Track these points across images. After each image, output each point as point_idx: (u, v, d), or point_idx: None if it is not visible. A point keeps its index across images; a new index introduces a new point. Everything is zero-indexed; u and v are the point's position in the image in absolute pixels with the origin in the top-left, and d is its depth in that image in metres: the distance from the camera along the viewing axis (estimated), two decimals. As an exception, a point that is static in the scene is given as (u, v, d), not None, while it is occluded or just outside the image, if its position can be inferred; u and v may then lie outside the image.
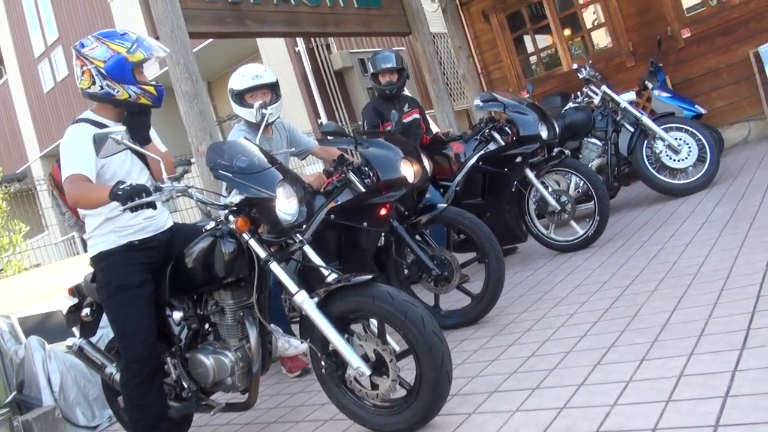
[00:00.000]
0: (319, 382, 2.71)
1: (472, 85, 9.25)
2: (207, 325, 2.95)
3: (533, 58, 9.73)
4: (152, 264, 2.90)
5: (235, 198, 2.56)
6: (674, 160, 5.71)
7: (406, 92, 5.79)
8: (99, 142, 2.49)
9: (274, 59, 11.83)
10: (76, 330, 3.45)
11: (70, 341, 3.37)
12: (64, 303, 4.09)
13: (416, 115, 5.50)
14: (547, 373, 2.70)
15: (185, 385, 2.97)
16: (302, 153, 4.44)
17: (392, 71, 5.28)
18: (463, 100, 13.41)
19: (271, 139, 4.23)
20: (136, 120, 2.81)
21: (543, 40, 9.83)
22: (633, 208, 5.92)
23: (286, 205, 2.57)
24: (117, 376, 3.14)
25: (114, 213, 2.77)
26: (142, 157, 2.90)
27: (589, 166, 5.99)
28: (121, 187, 2.43)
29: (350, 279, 2.51)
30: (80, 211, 2.92)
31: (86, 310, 3.23)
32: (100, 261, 2.86)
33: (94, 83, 2.75)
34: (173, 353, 2.99)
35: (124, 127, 2.59)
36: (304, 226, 2.72)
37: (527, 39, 9.60)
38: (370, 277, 2.49)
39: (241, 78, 4.05)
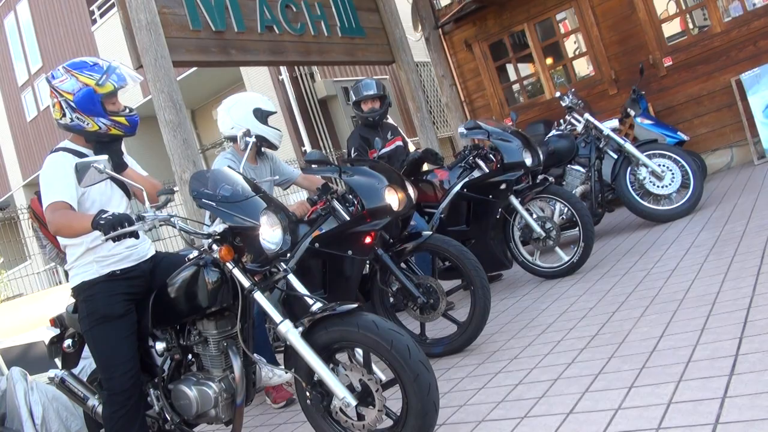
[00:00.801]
0: (304, 413, 2.67)
1: (456, 114, 9.32)
2: (190, 356, 2.90)
3: (516, 86, 9.82)
4: (135, 294, 2.86)
5: (219, 227, 2.53)
6: (658, 187, 5.75)
7: (389, 119, 5.81)
8: (81, 170, 2.46)
9: (258, 88, 11.86)
10: (58, 361, 3.38)
11: (51, 373, 3.30)
12: (46, 333, 4.01)
13: (399, 143, 5.52)
14: (535, 401, 2.68)
15: (168, 418, 2.92)
16: (285, 182, 4.43)
17: (374, 98, 5.32)
18: (446, 128, 13.48)
19: (257, 168, 4.22)
20: (106, 147, 2.79)
21: (525, 69, 9.93)
22: (617, 235, 5.94)
23: (270, 234, 2.54)
24: (99, 409, 3.07)
25: (96, 242, 2.73)
26: (122, 185, 2.88)
27: (573, 192, 6.04)
28: (104, 216, 2.40)
29: (335, 308, 2.48)
30: (61, 242, 2.88)
31: (68, 341, 3.16)
32: (82, 291, 2.82)
33: (64, 115, 2.75)
34: (156, 384, 2.93)
35: (106, 157, 2.57)
36: (288, 255, 2.69)
37: (510, 67, 9.69)
38: (355, 306, 2.46)
39: (268, 102, 4.32)
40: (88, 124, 2.75)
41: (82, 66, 2.78)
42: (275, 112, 4.37)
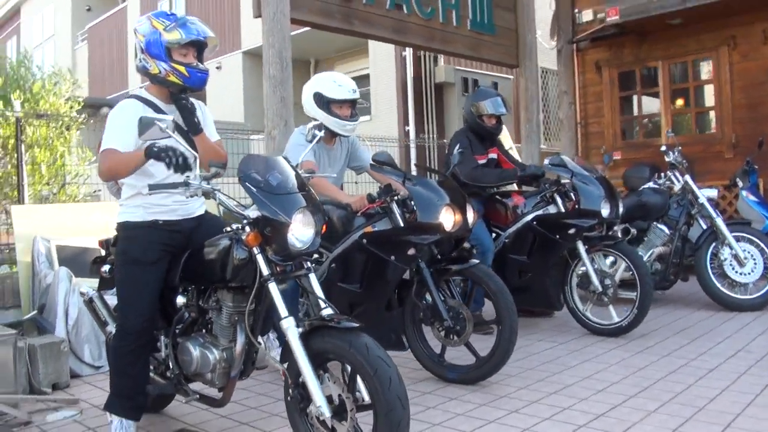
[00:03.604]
0: (285, 406, 2.75)
1: (568, 133, 9.15)
2: (204, 318, 3.03)
3: (635, 122, 9.47)
4: (171, 246, 3.00)
5: (253, 213, 2.62)
6: (737, 272, 5.48)
7: None
8: (144, 125, 2.60)
9: (379, 57, 11.90)
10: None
11: (84, 288, 3.54)
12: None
13: (493, 155, 5.45)
14: (507, 466, 2.67)
15: (170, 366, 3.08)
16: (358, 168, 4.49)
17: (498, 116, 5.27)
18: (559, 142, 13.17)
19: (331, 150, 4.29)
20: (186, 111, 2.93)
21: (649, 107, 9.54)
22: (681, 307, 5.72)
23: (301, 232, 2.60)
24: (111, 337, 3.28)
25: (147, 192, 2.88)
26: (191, 144, 3.01)
27: (652, 251, 5.85)
28: (158, 144, 2.55)
29: (339, 321, 2.54)
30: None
31: (106, 267, 3.37)
32: (123, 230, 3.00)
33: (136, 56, 2.90)
34: (168, 333, 3.10)
35: (171, 118, 2.69)
36: (315, 256, 2.75)
37: (634, 100, 9.34)
38: (356, 325, 2.51)
39: (338, 88, 4.08)
40: (150, 66, 2.89)
41: (160, 14, 2.94)
42: (341, 100, 4.08)
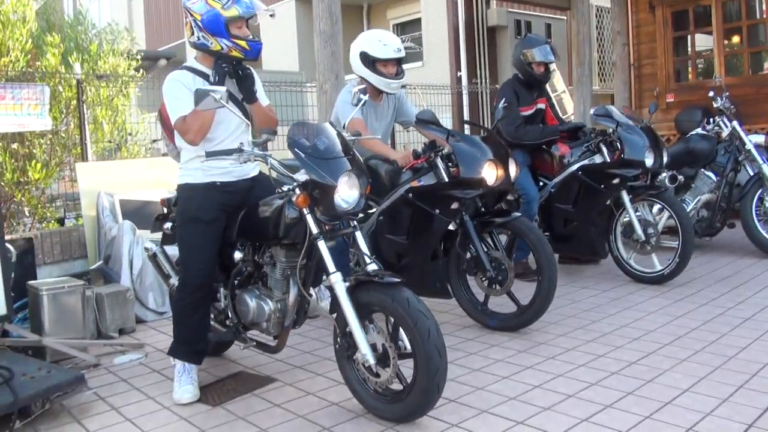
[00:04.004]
0: (335, 352, 3.00)
1: (621, 75, 9.06)
2: (260, 271, 3.28)
3: (689, 62, 9.27)
4: (227, 205, 3.23)
5: (303, 177, 2.81)
6: (783, 219, 5.47)
7: None
8: (200, 96, 2.80)
9: (431, 3, 11.77)
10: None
11: (148, 244, 3.83)
12: (165, 194, 4.49)
13: (541, 105, 5.48)
14: (540, 410, 2.86)
15: (229, 315, 3.36)
16: (406, 123, 4.62)
17: (546, 63, 5.28)
18: (612, 84, 12.96)
19: (378, 106, 4.42)
20: (243, 82, 3.12)
21: (702, 46, 9.31)
22: (725, 254, 5.77)
23: (347, 193, 2.79)
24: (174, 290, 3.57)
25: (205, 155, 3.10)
26: (244, 112, 3.20)
27: (698, 198, 5.86)
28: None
29: (382, 277, 2.74)
30: (177, 144, 3.27)
31: (168, 224, 3.64)
32: (183, 191, 3.24)
33: (193, 34, 3.07)
34: (227, 285, 3.36)
35: (224, 89, 2.88)
36: (361, 215, 2.95)
37: (688, 40, 9.12)
38: (398, 280, 2.72)
39: (383, 47, 4.15)
40: (211, 43, 3.07)
41: None
42: (386, 59, 4.15)
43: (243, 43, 3.06)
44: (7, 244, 3.95)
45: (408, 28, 14.59)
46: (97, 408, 3.19)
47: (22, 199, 5.97)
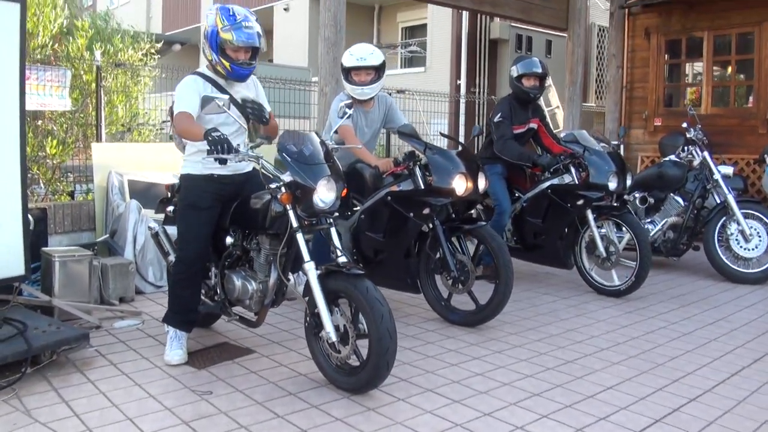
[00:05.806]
0: (304, 329, 3.48)
1: (613, 96, 9.48)
2: (248, 255, 3.74)
3: (678, 90, 9.72)
4: (223, 195, 3.70)
5: (288, 178, 3.27)
6: (741, 247, 5.91)
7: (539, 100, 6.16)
8: (205, 102, 3.25)
9: (438, 9, 12.17)
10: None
11: (151, 223, 4.31)
12: (168, 181, 4.94)
13: (533, 125, 5.87)
14: (476, 393, 3.32)
15: (218, 291, 3.83)
16: (394, 130, 5.06)
17: (537, 77, 5.64)
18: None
19: (369, 113, 4.87)
20: (255, 111, 3.51)
21: (694, 76, 9.76)
22: (686, 275, 6.22)
23: (325, 195, 3.24)
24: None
25: (204, 149, 3.55)
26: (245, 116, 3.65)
27: (666, 220, 6.27)
28: (213, 134, 3.18)
29: (349, 268, 3.21)
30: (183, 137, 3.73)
31: (170, 207, 4.11)
32: (184, 180, 3.71)
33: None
34: (217, 265, 3.83)
35: (227, 97, 3.34)
36: (336, 214, 3.40)
37: (679, 69, 9.57)
38: (361, 272, 3.19)
39: (349, 57, 4.67)
40: (207, 52, 3.54)
41: (225, 11, 3.48)
42: (350, 68, 4.61)
43: (227, 64, 3.48)
44: (27, 213, 4.41)
45: (416, 32, 15.05)
46: (98, 363, 3.66)
47: (38, 171, 6.46)
